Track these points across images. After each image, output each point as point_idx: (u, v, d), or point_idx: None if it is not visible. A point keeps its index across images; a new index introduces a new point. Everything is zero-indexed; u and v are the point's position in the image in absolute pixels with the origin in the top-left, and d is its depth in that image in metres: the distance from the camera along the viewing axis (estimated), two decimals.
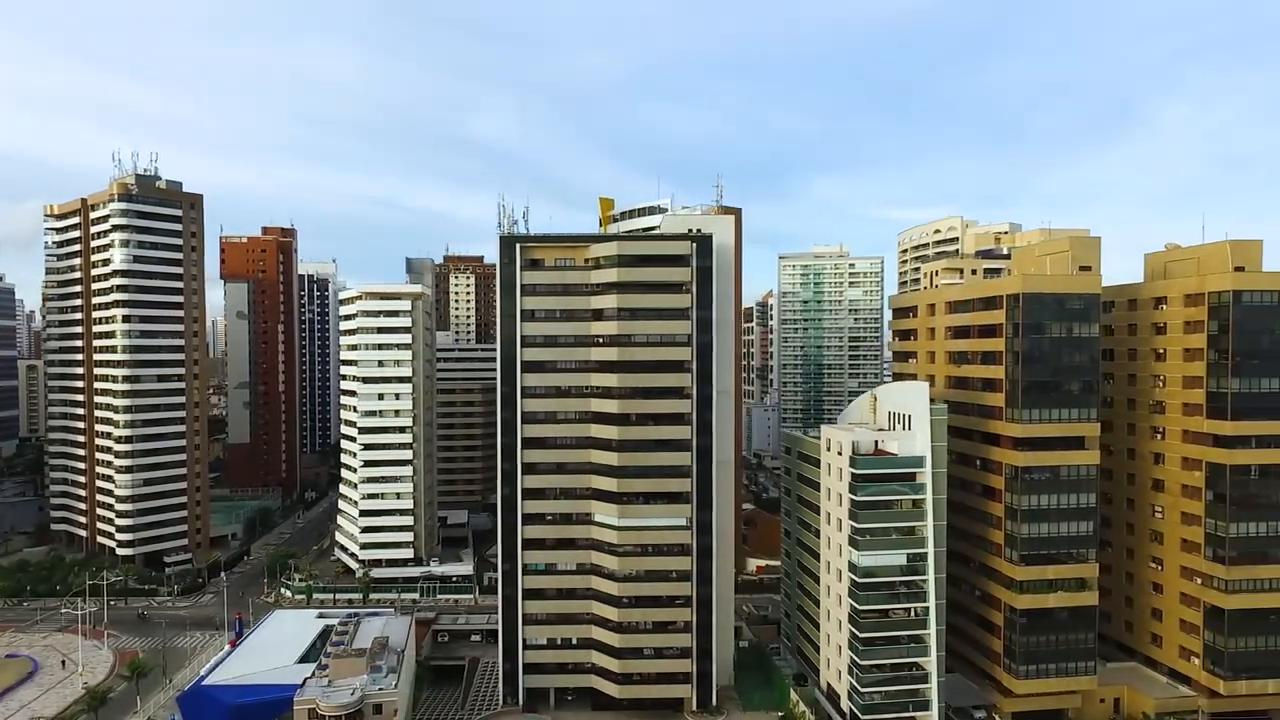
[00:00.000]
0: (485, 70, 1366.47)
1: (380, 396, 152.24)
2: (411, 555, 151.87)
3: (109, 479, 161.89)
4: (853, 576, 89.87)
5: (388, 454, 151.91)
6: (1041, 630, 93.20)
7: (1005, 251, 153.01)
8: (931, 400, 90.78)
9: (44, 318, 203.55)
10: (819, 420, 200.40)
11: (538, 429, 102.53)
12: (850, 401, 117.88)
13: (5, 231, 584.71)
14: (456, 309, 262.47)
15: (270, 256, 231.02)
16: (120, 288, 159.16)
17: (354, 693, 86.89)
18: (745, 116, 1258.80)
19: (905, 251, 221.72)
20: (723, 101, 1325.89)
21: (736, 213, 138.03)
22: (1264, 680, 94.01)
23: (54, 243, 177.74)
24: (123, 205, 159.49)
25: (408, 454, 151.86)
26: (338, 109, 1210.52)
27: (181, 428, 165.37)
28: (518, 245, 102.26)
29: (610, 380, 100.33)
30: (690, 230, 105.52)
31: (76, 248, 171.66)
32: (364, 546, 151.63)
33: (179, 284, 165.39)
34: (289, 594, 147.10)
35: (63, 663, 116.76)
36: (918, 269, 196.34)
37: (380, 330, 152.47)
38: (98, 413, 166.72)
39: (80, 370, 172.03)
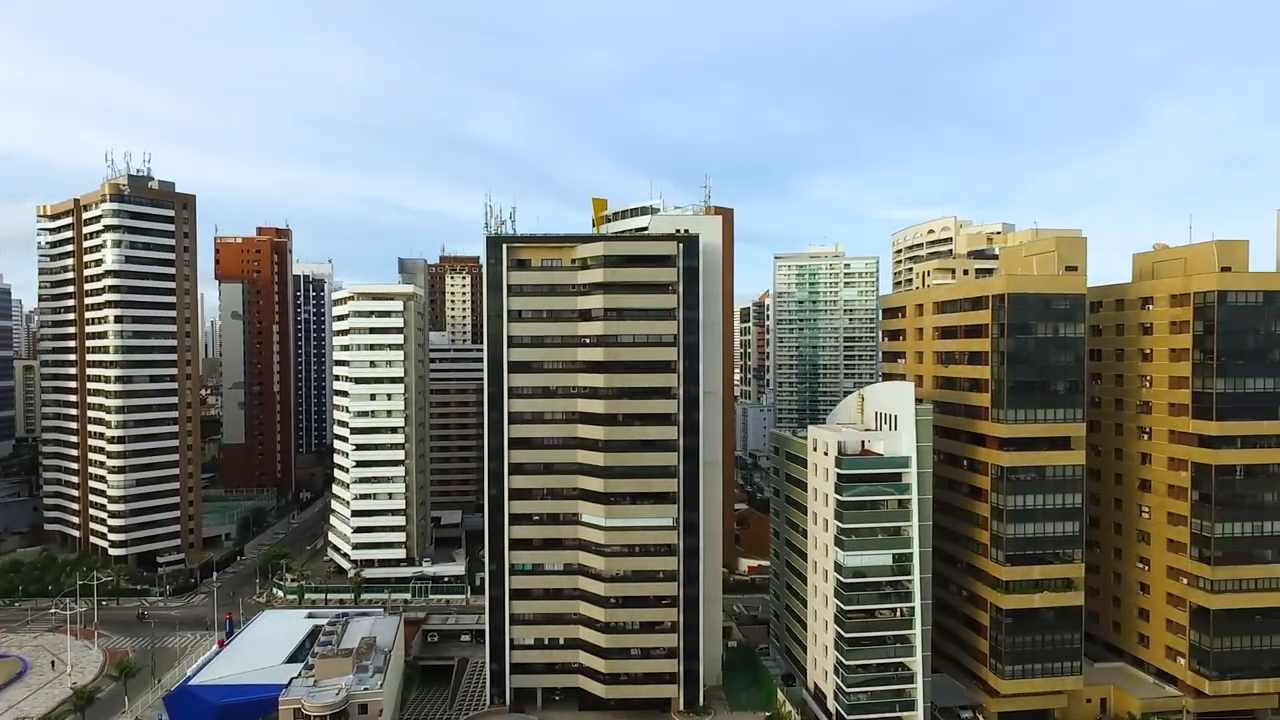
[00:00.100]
0: (485, 70, 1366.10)
1: (372, 397, 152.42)
2: (403, 555, 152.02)
3: (101, 479, 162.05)
4: (839, 576, 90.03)
5: (380, 454, 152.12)
6: (1027, 630, 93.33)
7: (997, 252, 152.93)
8: (918, 400, 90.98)
9: (38, 318, 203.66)
10: (814, 420, 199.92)
11: (525, 429, 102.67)
12: None
13: (5, 232, 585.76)
14: (452, 309, 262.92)
15: (265, 257, 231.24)
16: (112, 288, 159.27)
17: (339, 693, 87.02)
18: (745, 116, 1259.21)
19: (899, 252, 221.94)
20: (723, 101, 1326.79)
21: (727, 213, 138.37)
22: (1249, 680, 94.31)
23: (47, 243, 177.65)
24: (114, 205, 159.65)
25: (399, 454, 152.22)
26: (337, 109, 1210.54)
27: (174, 428, 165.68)
28: (504, 245, 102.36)
29: (597, 381, 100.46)
30: (678, 231, 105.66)
31: (69, 248, 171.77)
32: (356, 547, 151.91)
33: (171, 284, 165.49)
34: (281, 594, 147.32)
35: (52, 663, 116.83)
36: (911, 269, 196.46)
37: (372, 330, 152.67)
38: (90, 413, 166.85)
39: (73, 370, 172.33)
